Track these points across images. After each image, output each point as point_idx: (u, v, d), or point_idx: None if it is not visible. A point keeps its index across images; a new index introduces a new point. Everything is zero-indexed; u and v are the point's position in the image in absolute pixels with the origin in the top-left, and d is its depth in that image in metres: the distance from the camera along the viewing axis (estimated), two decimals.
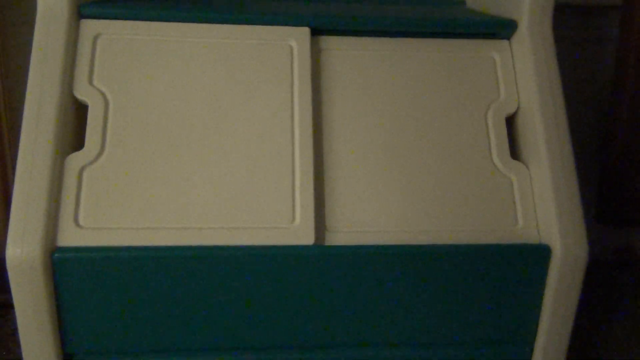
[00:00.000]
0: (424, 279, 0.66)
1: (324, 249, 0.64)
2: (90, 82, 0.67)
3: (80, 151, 0.65)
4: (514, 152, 0.73)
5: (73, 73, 0.67)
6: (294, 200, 0.65)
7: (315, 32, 0.73)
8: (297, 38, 0.71)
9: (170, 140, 0.66)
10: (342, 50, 0.73)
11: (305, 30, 0.72)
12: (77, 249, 0.61)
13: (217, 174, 0.66)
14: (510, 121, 0.74)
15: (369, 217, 0.67)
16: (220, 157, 0.66)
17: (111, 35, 0.69)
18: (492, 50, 0.75)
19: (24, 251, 0.59)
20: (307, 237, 0.64)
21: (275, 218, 0.65)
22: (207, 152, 0.66)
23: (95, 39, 0.69)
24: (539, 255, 0.67)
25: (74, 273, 0.61)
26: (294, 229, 0.64)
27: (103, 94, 0.67)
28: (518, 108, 0.73)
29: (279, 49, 0.71)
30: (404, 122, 0.71)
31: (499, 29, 0.75)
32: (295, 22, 0.72)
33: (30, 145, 0.62)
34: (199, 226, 0.64)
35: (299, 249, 0.63)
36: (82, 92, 0.67)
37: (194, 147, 0.66)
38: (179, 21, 0.70)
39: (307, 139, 0.68)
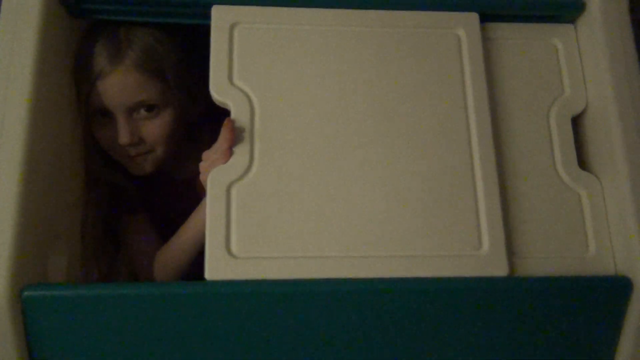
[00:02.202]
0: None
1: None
2: (231, 80, 0.56)
3: (226, 164, 0.54)
4: (582, 160, 0.60)
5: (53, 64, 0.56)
6: (478, 222, 0.55)
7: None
8: (465, 25, 0.60)
9: (324, 149, 0.56)
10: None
11: (474, 16, 0.60)
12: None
13: (381, 190, 0.55)
14: (576, 122, 0.61)
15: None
16: (384, 169, 0.56)
17: (250, 24, 0.58)
18: (554, 36, 0.62)
19: None
20: (499, 267, 0.53)
21: (457, 244, 0.54)
22: (368, 163, 0.56)
23: (232, 28, 0.58)
24: (616, 289, 0.54)
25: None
26: (483, 258, 0.54)
27: (247, 95, 0.56)
28: (586, 106, 0.60)
29: (444, 38, 0.60)
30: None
31: (562, 10, 0.62)
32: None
33: None
34: (364, 255, 0.53)
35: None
36: (222, 93, 0.56)
37: (352, 157, 0.56)
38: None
39: (487, 146, 0.57)
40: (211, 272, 0.51)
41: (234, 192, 0.53)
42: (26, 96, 0.53)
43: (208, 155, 0.56)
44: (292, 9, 0.58)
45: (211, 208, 0.53)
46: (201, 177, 0.56)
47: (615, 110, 0.57)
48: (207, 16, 0.58)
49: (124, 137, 0.63)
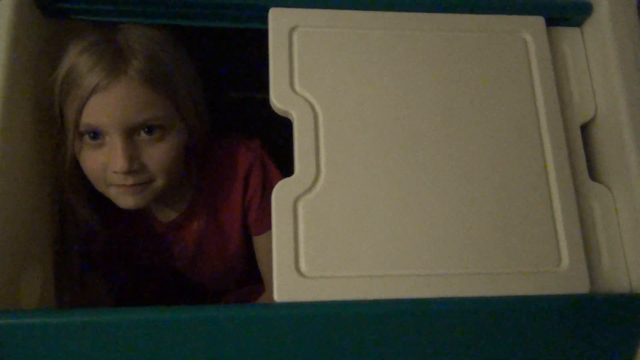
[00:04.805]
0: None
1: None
2: (292, 86, 0.53)
3: (292, 177, 0.51)
4: (591, 170, 0.57)
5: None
6: (557, 236, 0.52)
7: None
8: (531, 30, 0.58)
9: (393, 159, 0.52)
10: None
11: (540, 20, 0.58)
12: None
13: (454, 203, 0.52)
14: (584, 131, 0.58)
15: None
16: (456, 181, 0.53)
17: (309, 27, 0.55)
18: (559, 40, 0.59)
19: None
20: (580, 284, 0.51)
21: (535, 260, 0.51)
22: (439, 175, 0.53)
23: (291, 32, 0.55)
24: (630, 309, 0.51)
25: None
26: (563, 274, 0.51)
27: (310, 103, 0.53)
28: (595, 114, 0.57)
29: (510, 42, 0.57)
30: None
31: (568, 12, 0.59)
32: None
33: None
34: (439, 273, 0.50)
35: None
36: (283, 101, 0.53)
37: (422, 168, 0.53)
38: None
39: (561, 154, 0.54)
40: (280, 293, 0.48)
41: (300, 206, 0.50)
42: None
43: None
44: (353, 11, 0.55)
45: (277, 224, 0.49)
46: None
47: (626, 117, 0.54)
48: (263, 20, 0.55)
49: (121, 163, 0.53)
